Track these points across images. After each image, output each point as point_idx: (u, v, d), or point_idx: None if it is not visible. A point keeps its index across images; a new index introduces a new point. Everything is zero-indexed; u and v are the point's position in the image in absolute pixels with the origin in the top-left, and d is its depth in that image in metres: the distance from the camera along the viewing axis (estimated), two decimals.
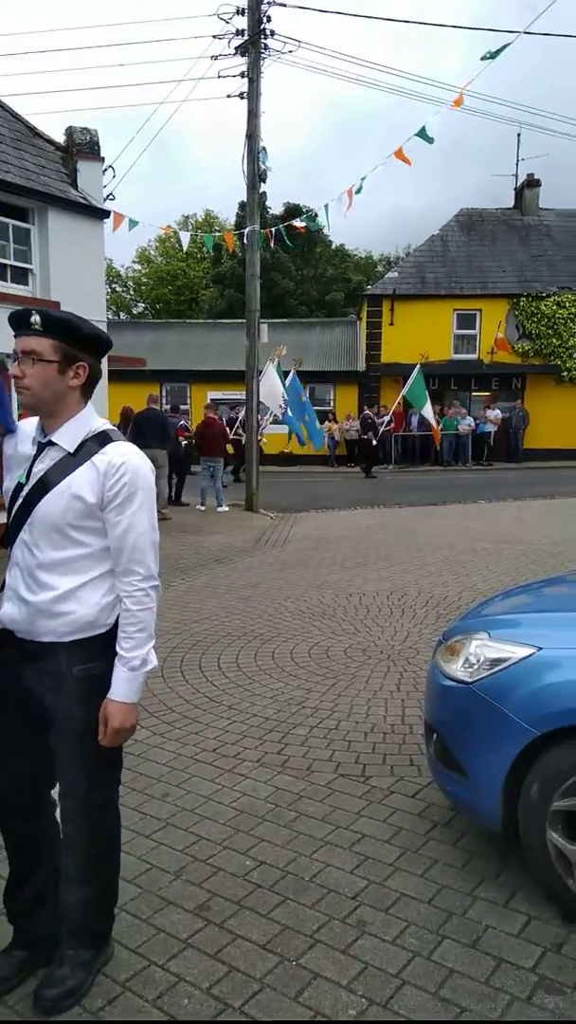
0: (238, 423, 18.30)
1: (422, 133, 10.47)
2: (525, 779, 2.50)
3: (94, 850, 2.17)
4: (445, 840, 3.00)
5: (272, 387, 16.70)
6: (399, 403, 20.29)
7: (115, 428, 2.13)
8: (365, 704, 4.43)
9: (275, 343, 20.41)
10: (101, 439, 2.04)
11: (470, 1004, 2.14)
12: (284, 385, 16.99)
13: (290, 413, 17.10)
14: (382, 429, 20.48)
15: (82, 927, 2.20)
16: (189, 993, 2.19)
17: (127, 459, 2.01)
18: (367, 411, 20.52)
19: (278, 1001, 2.17)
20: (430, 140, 10.50)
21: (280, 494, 15.93)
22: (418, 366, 18.96)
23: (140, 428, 11.70)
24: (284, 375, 17.32)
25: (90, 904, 2.19)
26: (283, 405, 16.82)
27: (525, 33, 9.33)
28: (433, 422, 19.76)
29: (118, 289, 44.99)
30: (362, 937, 2.44)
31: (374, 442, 20.38)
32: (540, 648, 2.56)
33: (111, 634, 2.08)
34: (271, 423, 19.09)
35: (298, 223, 13.68)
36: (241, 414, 18.34)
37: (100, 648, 2.06)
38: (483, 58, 9.18)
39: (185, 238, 22.43)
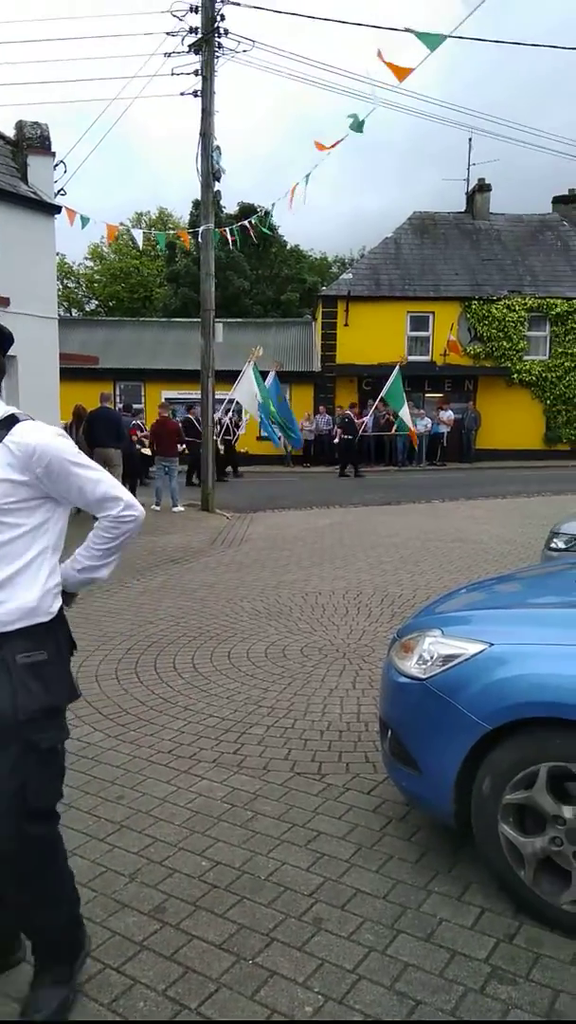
0: (225, 421, 18.34)
1: (354, 126, 10.59)
2: (477, 773, 2.55)
3: (34, 869, 2.05)
4: (400, 835, 3.03)
5: (249, 388, 16.79)
6: (377, 404, 20.60)
7: (20, 411, 2.07)
8: (321, 702, 4.45)
9: (230, 343, 20.45)
10: (8, 422, 2.00)
11: (425, 997, 2.17)
12: (263, 387, 17.13)
13: (262, 415, 17.25)
14: (336, 431, 20.63)
15: (48, 942, 2.12)
16: (145, 995, 2.17)
17: (36, 436, 1.97)
18: (347, 411, 20.59)
19: (235, 1000, 2.16)
20: (359, 130, 10.63)
21: (236, 494, 15.90)
22: (397, 367, 19.32)
23: (93, 427, 11.55)
24: (263, 376, 17.45)
25: (48, 917, 2.11)
26: (258, 407, 16.96)
27: (453, 37, 9.37)
28: (410, 423, 20.12)
29: (70, 285, 44.31)
30: (318, 934, 2.45)
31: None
32: (491, 644, 2.61)
33: (56, 621, 2.05)
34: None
35: (250, 223, 13.67)
36: (218, 414, 18.44)
37: (44, 635, 2.01)
38: (432, 43, 9.09)
39: (137, 236, 22.30)
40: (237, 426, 19.82)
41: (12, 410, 2.05)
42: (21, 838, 1.99)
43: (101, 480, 2.05)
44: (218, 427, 18.24)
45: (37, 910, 2.10)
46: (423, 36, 9.00)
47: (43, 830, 2.07)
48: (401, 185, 63.54)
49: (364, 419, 20.80)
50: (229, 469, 19.30)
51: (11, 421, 2.00)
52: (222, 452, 18.90)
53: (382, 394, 19.81)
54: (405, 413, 19.85)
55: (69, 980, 2.14)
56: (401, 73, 9.30)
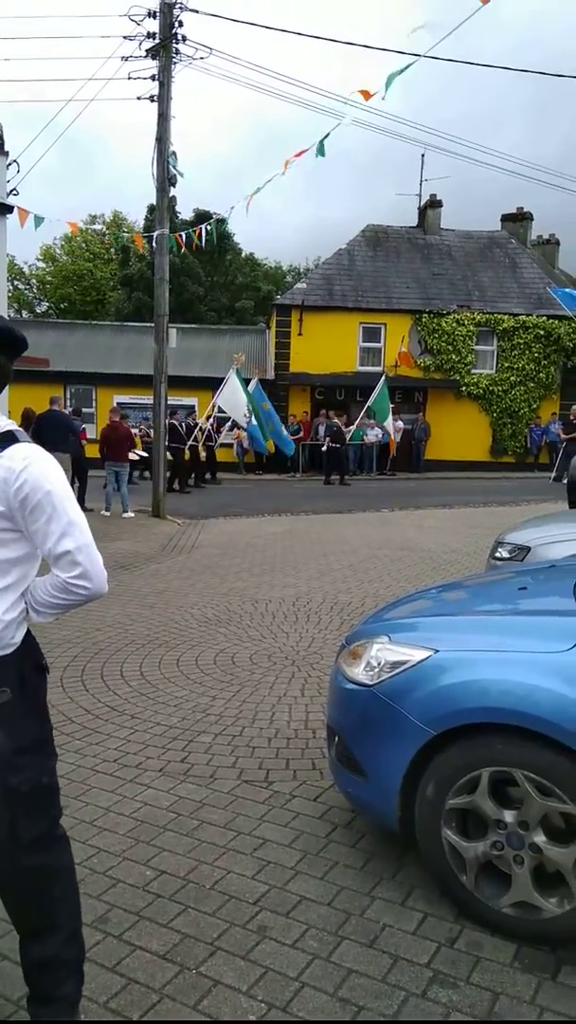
0: (197, 429, 18.36)
1: (320, 149, 10.70)
2: (421, 779, 2.58)
3: (39, 898, 1.94)
4: (345, 842, 3.05)
5: (235, 395, 16.89)
6: (364, 413, 21.11)
7: (21, 429, 1.91)
8: (269, 710, 4.45)
9: (183, 349, 20.41)
10: (3, 440, 1.82)
11: (367, 1002, 2.19)
12: (249, 393, 17.27)
13: (254, 422, 17.40)
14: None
15: (50, 993, 1.96)
16: (86, 1008, 2.13)
17: (28, 464, 1.78)
18: (335, 420, 20.68)
19: (177, 1011, 2.14)
20: (322, 154, 10.76)
21: (188, 500, 15.82)
22: (383, 377, 19.65)
23: (41, 430, 11.36)
24: (246, 383, 17.56)
25: (55, 963, 1.96)
26: (247, 414, 17.07)
27: (426, 57, 9.56)
28: (392, 434, 20.65)
29: (20, 286, 43.57)
30: (263, 942, 2.44)
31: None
32: (437, 650, 2.65)
33: (19, 655, 1.87)
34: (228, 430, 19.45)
35: (206, 228, 13.66)
36: (200, 421, 18.61)
37: (5, 672, 1.83)
38: (389, 82, 9.34)
39: (97, 229, 22.06)
40: (218, 432, 19.88)
41: (11, 426, 1.87)
42: (24, 869, 1.90)
43: (67, 534, 1.80)
44: (200, 433, 18.37)
45: (43, 941, 1.96)
46: (391, 78, 9.18)
47: (47, 857, 1.94)
48: (359, 197, 64.50)
49: (351, 428, 20.97)
50: (197, 476, 19.30)
51: (8, 439, 1.82)
52: (203, 458, 19.03)
53: (369, 403, 20.24)
54: (389, 424, 20.23)
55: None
56: (367, 95, 9.49)
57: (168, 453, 17.62)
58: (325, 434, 20.54)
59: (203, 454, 19.05)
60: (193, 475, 18.61)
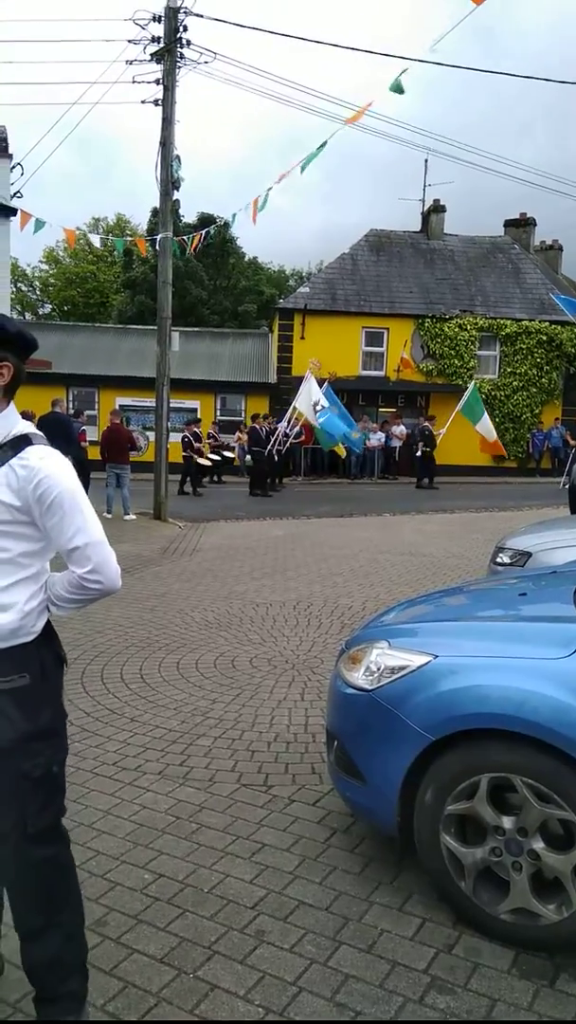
0: (280, 433, 18.95)
1: (310, 159, 10.73)
2: (420, 784, 2.58)
3: (41, 894, 1.95)
4: (344, 847, 3.04)
5: (310, 396, 17.61)
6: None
7: (38, 432, 2.00)
8: (269, 714, 4.44)
9: (186, 352, 20.46)
10: (20, 442, 1.92)
11: (364, 1007, 2.18)
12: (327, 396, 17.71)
13: (339, 422, 17.91)
14: (290, 441, 20.64)
15: (55, 991, 1.98)
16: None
17: (43, 464, 1.87)
18: (424, 423, 20.74)
19: (174, 1015, 2.14)
20: (320, 148, 10.73)
21: (190, 503, 15.82)
22: (473, 382, 20.59)
23: (42, 432, 11.36)
24: (320, 385, 18.14)
25: (58, 961, 1.97)
26: (319, 411, 17.63)
27: (419, 61, 9.62)
28: (492, 436, 20.47)
29: (23, 288, 43.68)
30: (260, 946, 2.44)
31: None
32: (437, 656, 2.65)
33: (40, 643, 1.93)
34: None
35: (209, 232, 13.67)
36: (280, 426, 19.17)
37: (26, 657, 1.89)
38: (391, 89, 9.37)
39: (95, 240, 22.13)
40: (287, 436, 19.92)
41: (27, 430, 1.97)
42: (27, 862, 1.91)
43: (80, 530, 1.89)
44: (274, 437, 18.84)
45: (37, 941, 1.97)
46: (393, 85, 9.21)
47: (50, 851, 1.96)
48: (371, 203, 64.56)
49: (441, 432, 21.01)
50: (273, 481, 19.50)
51: (24, 442, 1.92)
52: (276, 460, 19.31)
53: (458, 408, 20.20)
54: (483, 426, 20.10)
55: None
56: (361, 114, 9.56)
57: (249, 457, 18.27)
58: (418, 438, 20.66)
59: (276, 457, 19.35)
60: (269, 479, 18.76)
